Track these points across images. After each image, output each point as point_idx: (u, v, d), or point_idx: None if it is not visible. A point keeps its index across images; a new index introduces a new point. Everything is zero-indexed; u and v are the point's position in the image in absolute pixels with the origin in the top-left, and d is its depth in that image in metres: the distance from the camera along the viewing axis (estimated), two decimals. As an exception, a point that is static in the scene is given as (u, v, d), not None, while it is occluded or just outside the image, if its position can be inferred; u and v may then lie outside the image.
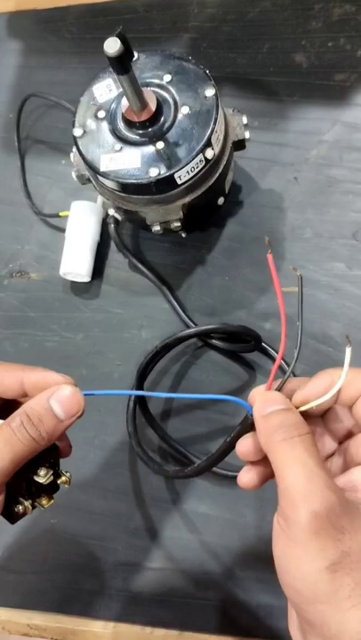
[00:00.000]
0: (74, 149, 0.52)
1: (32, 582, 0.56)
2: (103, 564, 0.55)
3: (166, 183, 0.49)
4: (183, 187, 0.50)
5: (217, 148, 0.50)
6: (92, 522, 0.56)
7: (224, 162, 0.52)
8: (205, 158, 0.49)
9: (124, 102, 0.48)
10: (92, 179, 0.53)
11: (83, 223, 0.61)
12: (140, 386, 0.55)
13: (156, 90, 0.50)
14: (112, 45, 0.40)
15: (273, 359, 0.55)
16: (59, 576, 0.55)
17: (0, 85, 0.71)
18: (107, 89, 0.51)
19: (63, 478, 0.38)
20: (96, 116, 0.51)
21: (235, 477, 0.52)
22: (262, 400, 0.34)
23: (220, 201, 0.57)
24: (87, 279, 0.61)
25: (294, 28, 0.64)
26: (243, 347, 0.55)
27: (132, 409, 0.56)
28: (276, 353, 0.55)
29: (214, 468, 0.52)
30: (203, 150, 0.48)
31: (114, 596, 0.54)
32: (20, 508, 0.36)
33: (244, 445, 0.36)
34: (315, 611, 0.30)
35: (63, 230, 0.62)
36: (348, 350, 0.33)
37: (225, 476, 0.53)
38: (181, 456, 0.55)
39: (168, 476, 0.54)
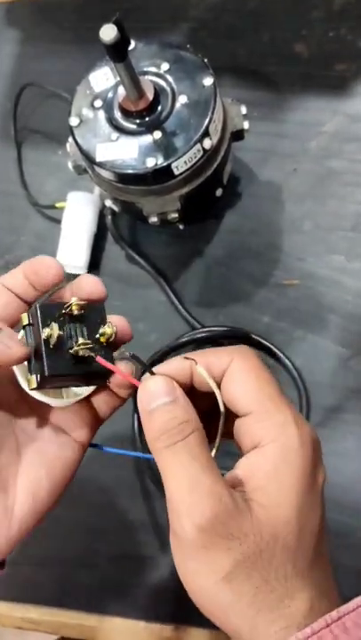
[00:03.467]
0: (70, 139, 0.51)
1: (27, 575, 0.56)
2: (99, 558, 0.54)
3: (163, 173, 0.48)
4: (181, 177, 0.49)
5: (215, 139, 0.49)
6: (89, 514, 0.56)
7: (222, 152, 0.51)
8: (203, 148, 0.48)
9: (121, 91, 0.48)
10: (88, 169, 0.53)
11: (79, 214, 0.60)
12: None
13: (154, 79, 0.49)
14: (108, 33, 0.39)
15: (267, 353, 0.55)
16: (54, 569, 0.55)
17: (-2, 75, 0.71)
18: (104, 77, 0.50)
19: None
20: (92, 106, 0.50)
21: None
22: (144, 393, 0.31)
23: (219, 192, 0.56)
24: (84, 271, 0.60)
25: (295, 17, 0.63)
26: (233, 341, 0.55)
27: (138, 427, 0.56)
28: (271, 345, 0.54)
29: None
30: (200, 140, 0.47)
31: (109, 590, 0.54)
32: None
33: None
34: (224, 623, 0.29)
35: (60, 221, 0.61)
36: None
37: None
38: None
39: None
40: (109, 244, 0.62)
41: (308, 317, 0.55)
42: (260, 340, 0.54)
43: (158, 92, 0.48)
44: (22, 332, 0.32)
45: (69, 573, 0.55)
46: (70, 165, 0.54)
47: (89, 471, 0.58)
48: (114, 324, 0.32)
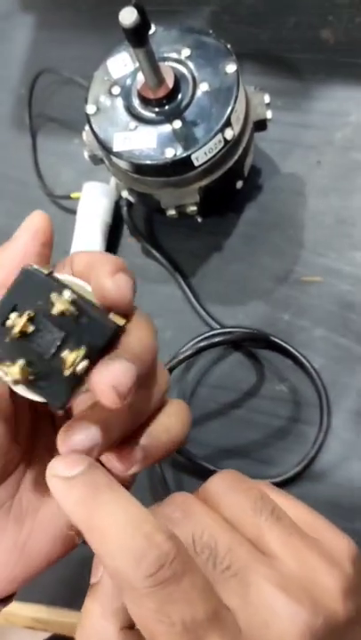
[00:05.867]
0: (86, 128, 0.49)
1: (38, 576, 0.55)
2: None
3: (183, 165, 0.46)
4: (200, 169, 0.47)
5: (237, 129, 0.47)
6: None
7: (244, 143, 0.49)
8: (224, 139, 0.46)
9: (140, 78, 0.46)
10: (104, 159, 0.51)
11: (95, 205, 0.58)
12: None
13: (174, 65, 0.47)
14: (128, 16, 0.38)
15: (286, 355, 0.53)
16: (64, 570, 0.54)
17: (13, 60, 0.69)
18: (122, 63, 0.48)
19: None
20: (110, 93, 0.48)
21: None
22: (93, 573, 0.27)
23: (239, 184, 0.54)
24: (98, 264, 0.59)
25: (321, 2, 0.61)
26: (252, 343, 0.54)
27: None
28: (288, 346, 0.52)
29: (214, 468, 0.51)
30: (222, 130, 0.46)
31: (120, 591, 0.52)
32: None
33: None
34: None
35: (75, 212, 0.59)
36: None
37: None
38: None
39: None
40: (125, 236, 0.60)
41: (330, 316, 0.53)
42: (279, 341, 0.52)
43: (178, 79, 0.46)
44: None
45: (80, 574, 0.53)
46: (86, 155, 0.52)
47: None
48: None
